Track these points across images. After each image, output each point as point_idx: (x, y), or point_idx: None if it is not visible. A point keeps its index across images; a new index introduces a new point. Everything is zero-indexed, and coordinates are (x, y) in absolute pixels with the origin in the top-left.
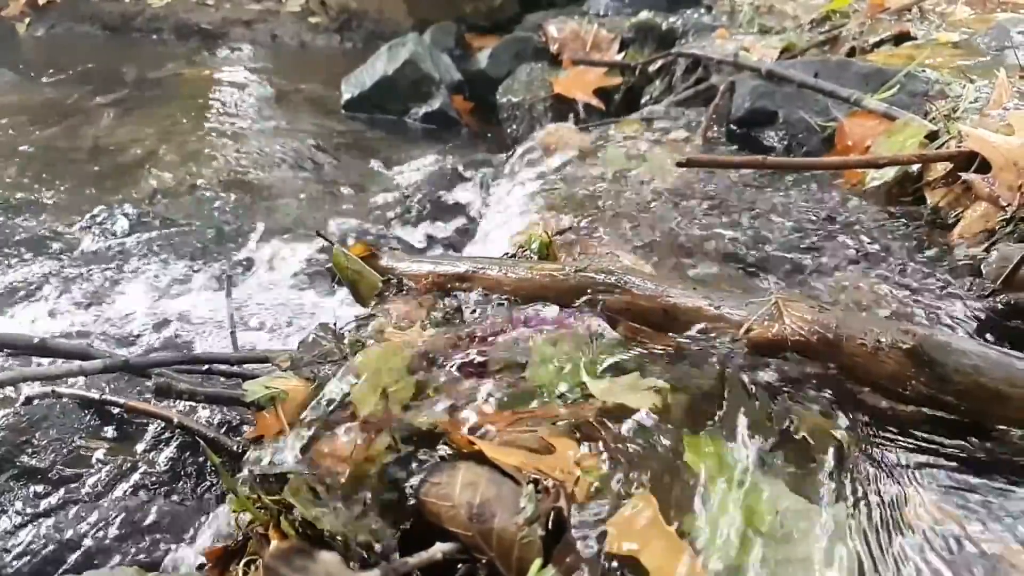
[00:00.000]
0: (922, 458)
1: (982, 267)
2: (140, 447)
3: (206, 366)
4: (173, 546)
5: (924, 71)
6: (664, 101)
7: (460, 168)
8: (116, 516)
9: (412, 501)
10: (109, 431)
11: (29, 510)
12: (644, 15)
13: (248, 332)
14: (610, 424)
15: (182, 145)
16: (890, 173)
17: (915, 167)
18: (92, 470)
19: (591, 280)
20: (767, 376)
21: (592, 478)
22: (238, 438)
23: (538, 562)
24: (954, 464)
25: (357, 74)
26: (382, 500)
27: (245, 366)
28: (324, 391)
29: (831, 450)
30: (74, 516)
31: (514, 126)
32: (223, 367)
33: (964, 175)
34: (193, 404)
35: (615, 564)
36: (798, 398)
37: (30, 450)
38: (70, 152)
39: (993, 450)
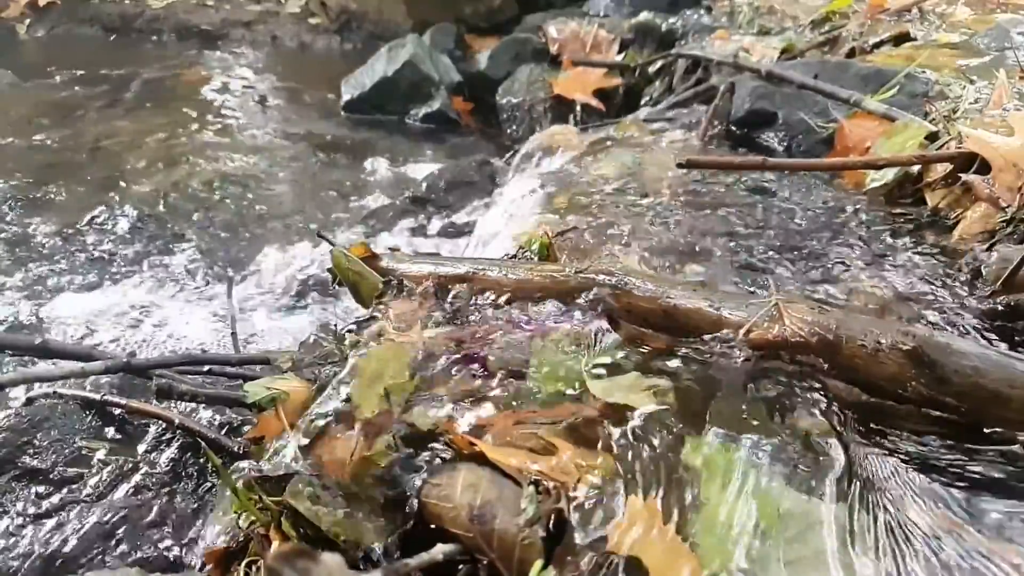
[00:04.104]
0: (922, 459)
1: (982, 268)
2: (141, 448)
3: (207, 367)
4: (174, 546)
5: (924, 72)
6: (664, 102)
7: (460, 169)
8: (118, 517)
9: (413, 502)
10: (110, 432)
11: (31, 511)
12: (644, 16)
13: (249, 333)
14: (611, 425)
15: (182, 146)
16: (890, 174)
17: (915, 168)
18: (93, 471)
19: (591, 281)
20: (767, 377)
21: (593, 479)
22: (239, 439)
23: (539, 563)
24: (954, 465)
25: (357, 75)
26: (383, 501)
27: (246, 367)
28: (325, 392)
29: (831, 451)
30: (76, 517)
31: (514, 127)
32: (224, 368)
33: (964, 176)
34: (194, 405)
35: (616, 565)
36: (798, 399)
37: (32, 451)
38: (70, 153)
39: (993, 451)
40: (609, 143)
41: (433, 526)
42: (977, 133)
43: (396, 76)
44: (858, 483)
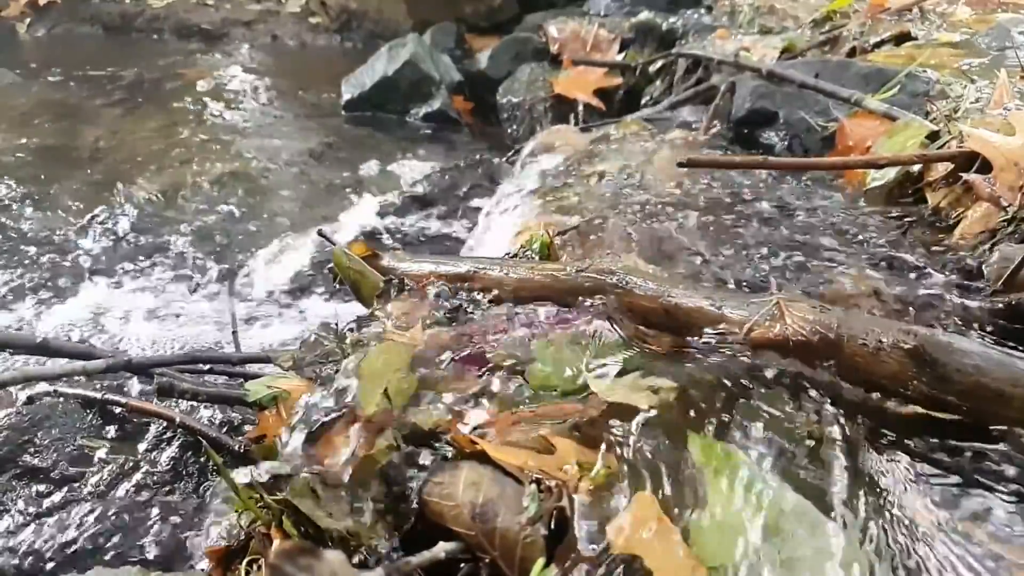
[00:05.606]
0: (924, 458)
1: (983, 267)
2: (142, 447)
3: (208, 366)
4: (175, 545)
5: (925, 71)
6: (664, 101)
7: (461, 168)
8: (119, 515)
9: (414, 501)
10: (111, 431)
11: (32, 509)
12: (644, 15)
13: (250, 332)
14: (612, 423)
15: (183, 145)
16: (891, 173)
17: (916, 167)
18: (94, 469)
19: (592, 280)
20: (768, 376)
21: (594, 478)
22: (240, 438)
23: (541, 561)
24: (957, 465)
25: (357, 74)
26: (384, 500)
27: (247, 366)
28: (326, 391)
29: (834, 449)
30: (77, 515)
31: (514, 126)
32: (225, 367)
33: (965, 175)
34: (195, 404)
35: (618, 564)
36: (800, 398)
37: (32, 449)
38: (71, 152)
39: (996, 450)
40: (610, 142)
41: (435, 524)
42: (978, 132)
43: (396, 75)
44: (863, 482)
